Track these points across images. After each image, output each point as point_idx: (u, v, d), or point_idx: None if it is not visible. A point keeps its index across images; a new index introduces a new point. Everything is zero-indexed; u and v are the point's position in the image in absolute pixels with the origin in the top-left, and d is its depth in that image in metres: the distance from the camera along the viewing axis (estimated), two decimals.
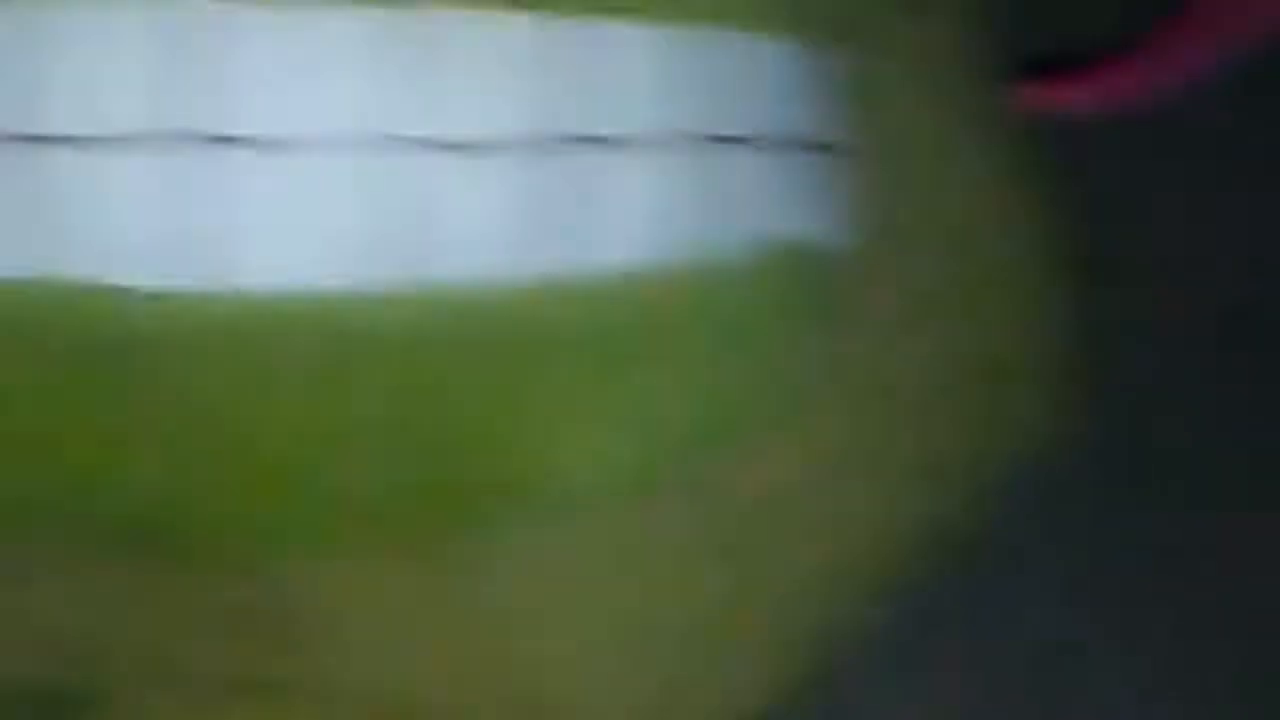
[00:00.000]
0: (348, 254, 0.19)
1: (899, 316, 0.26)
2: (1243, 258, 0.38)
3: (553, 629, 0.23)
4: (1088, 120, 0.36)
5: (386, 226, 0.19)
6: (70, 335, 0.19)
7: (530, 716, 0.23)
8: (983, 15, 0.29)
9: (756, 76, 0.22)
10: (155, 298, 0.19)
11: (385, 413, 0.20)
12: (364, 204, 0.19)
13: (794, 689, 0.27)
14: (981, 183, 0.27)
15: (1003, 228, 0.28)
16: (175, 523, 0.21)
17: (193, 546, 0.21)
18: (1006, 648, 0.36)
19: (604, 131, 0.20)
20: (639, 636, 0.23)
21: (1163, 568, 0.37)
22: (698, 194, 0.21)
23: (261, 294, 0.19)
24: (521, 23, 0.20)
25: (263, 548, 0.21)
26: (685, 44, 0.21)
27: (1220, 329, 0.38)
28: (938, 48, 0.27)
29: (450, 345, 0.20)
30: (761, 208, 0.22)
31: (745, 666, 0.25)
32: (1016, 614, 0.36)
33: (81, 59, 0.19)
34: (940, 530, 0.28)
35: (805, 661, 0.26)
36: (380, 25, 0.20)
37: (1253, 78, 0.38)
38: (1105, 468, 0.36)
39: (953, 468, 0.28)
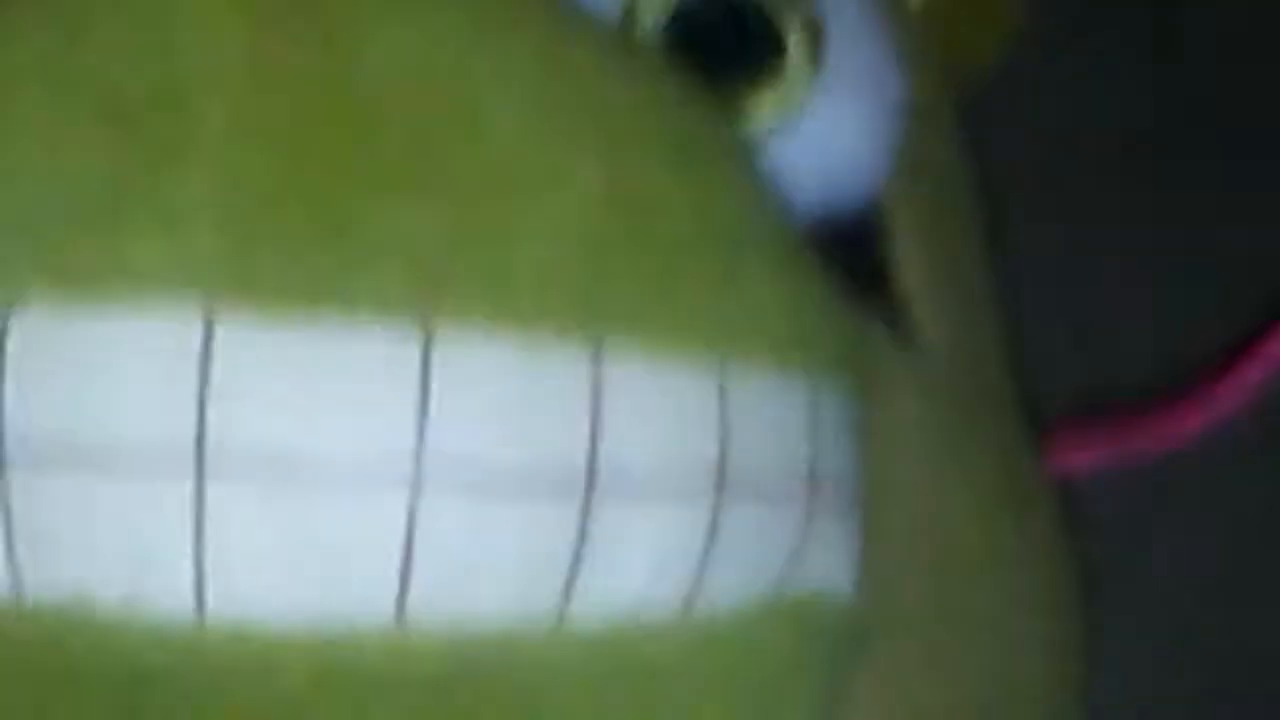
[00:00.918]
0: (365, 590, 0.19)
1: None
2: None
3: None
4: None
5: (407, 564, 0.19)
6: (105, 665, 0.20)
7: None
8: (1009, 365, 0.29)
9: (770, 416, 0.21)
10: (188, 629, 0.19)
11: None
12: (385, 541, 0.19)
13: None
14: (999, 563, 0.25)
15: (1025, 629, 0.27)
16: None
17: None
18: None
19: (613, 471, 0.20)
20: None
21: None
22: (705, 540, 0.21)
23: (296, 627, 0.19)
24: (522, 353, 0.20)
25: None
26: (697, 380, 0.20)
27: None
28: (952, 393, 0.25)
29: (470, 681, 0.20)
30: (770, 555, 0.21)
31: None
32: None
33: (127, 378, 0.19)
34: None
35: None
36: (397, 352, 0.20)
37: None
38: None
39: None
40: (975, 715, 0.25)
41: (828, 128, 0.24)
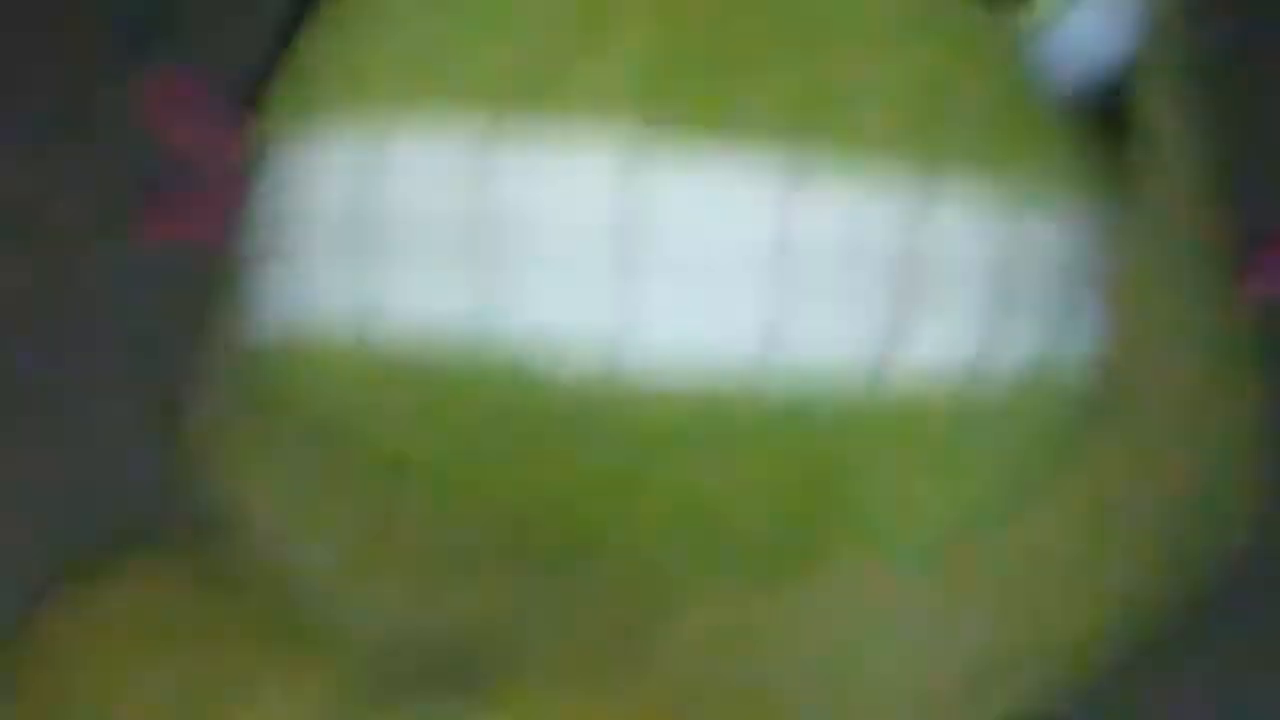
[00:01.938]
0: (735, 347, 0.28)
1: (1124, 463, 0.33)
2: None
3: (869, 643, 0.32)
4: None
5: (763, 328, 0.28)
6: (516, 400, 0.29)
7: (837, 702, 0.33)
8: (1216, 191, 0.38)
9: (1046, 222, 0.30)
10: (580, 377, 0.29)
11: (765, 475, 0.29)
12: (748, 310, 0.28)
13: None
14: (1210, 349, 0.35)
15: (1226, 399, 0.35)
16: (591, 548, 0.30)
17: (599, 565, 0.31)
18: None
19: (934, 259, 0.28)
20: (937, 655, 0.32)
21: None
22: (996, 312, 0.29)
23: (678, 377, 0.29)
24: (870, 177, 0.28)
25: (661, 574, 0.30)
26: (997, 203, 0.29)
27: None
28: (1181, 215, 0.35)
29: (813, 421, 0.29)
30: (1041, 330, 0.30)
31: (1011, 682, 0.33)
32: None
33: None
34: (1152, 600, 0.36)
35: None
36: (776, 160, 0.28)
37: None
38: None
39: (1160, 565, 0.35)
40: (1172, 511, 0.33)
41: (1087, 20, 0.31)
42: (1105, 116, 0.33)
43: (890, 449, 0.32)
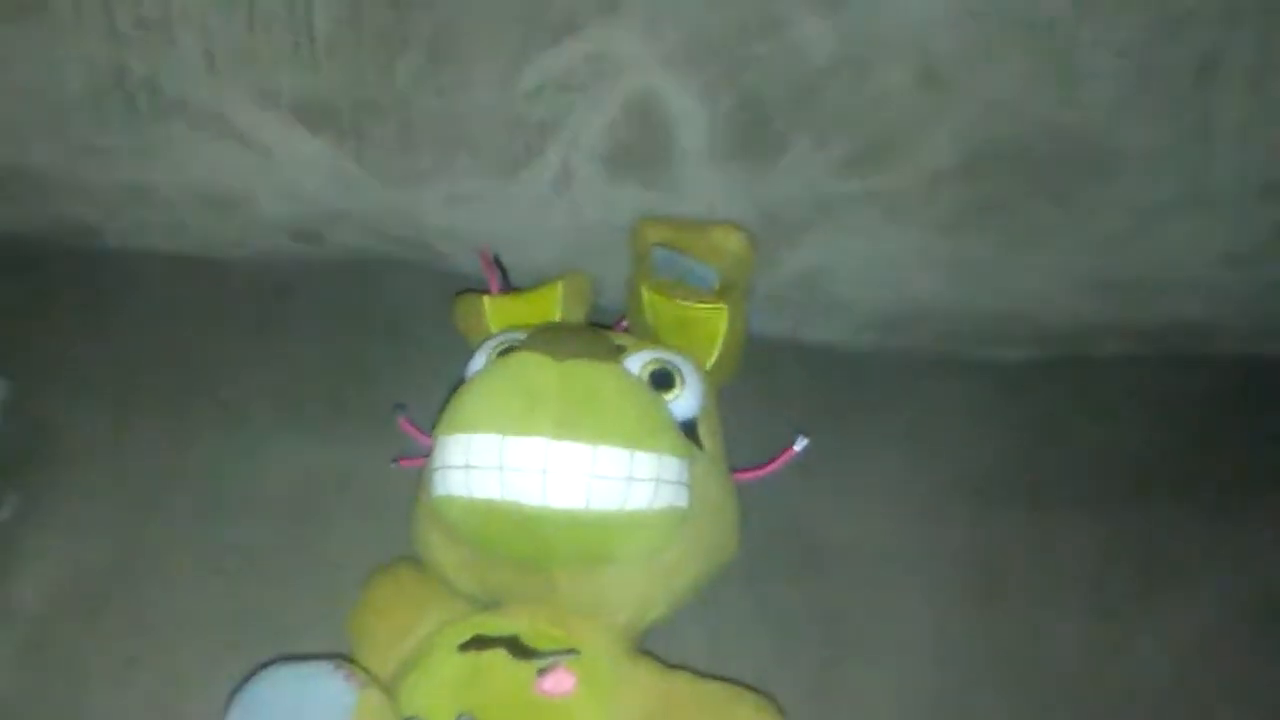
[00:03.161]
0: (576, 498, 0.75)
1: None
2: None
3: (615, 587, 0.80)
4: None
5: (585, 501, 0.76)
6: (510, 522, 0.75)
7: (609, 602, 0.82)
8: None
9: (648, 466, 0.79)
10: (539, 510, 0.74)
11: (571, 545, 0.76)
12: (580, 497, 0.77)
13: None
14: (719, 506, 0.88)
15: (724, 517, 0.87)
16: (540, 561, 0.78)
17: (532, 563, 0.78)
18: None
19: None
20: (653, 591, 0.83)
21: None
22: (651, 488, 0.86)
23: (537, 507, 0.74)
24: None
25: (550, 565, 0.78)
26: (624, 453, 0.79)
27: None
28: (717, 460, 0.87)
29: (597, 522, 0.76)
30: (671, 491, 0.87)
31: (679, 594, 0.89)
32: None
33: None
34: None
35: None
36: None
37: None
38: None
39: None
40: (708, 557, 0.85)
41: (686, 399, 0.80)
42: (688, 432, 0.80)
43: (623, 530, 0.76)
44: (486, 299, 0.92)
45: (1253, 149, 0.86)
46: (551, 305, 0.89)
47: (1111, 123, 0.86)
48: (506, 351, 0.80)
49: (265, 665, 0.76)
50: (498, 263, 0.96)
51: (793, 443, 0.84)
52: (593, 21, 0.84)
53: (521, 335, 0.81)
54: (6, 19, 0.85)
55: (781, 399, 0.92)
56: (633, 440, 0.76)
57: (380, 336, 0.99)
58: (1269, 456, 0.93)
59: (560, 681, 0.76)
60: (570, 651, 0.78)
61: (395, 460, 0.87)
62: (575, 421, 0.74)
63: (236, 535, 0.89)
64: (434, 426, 0.79)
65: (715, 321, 0.87)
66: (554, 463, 0.74)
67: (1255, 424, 0.95)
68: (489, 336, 0.85)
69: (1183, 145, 0.86)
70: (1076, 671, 0.84)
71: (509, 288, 0.95)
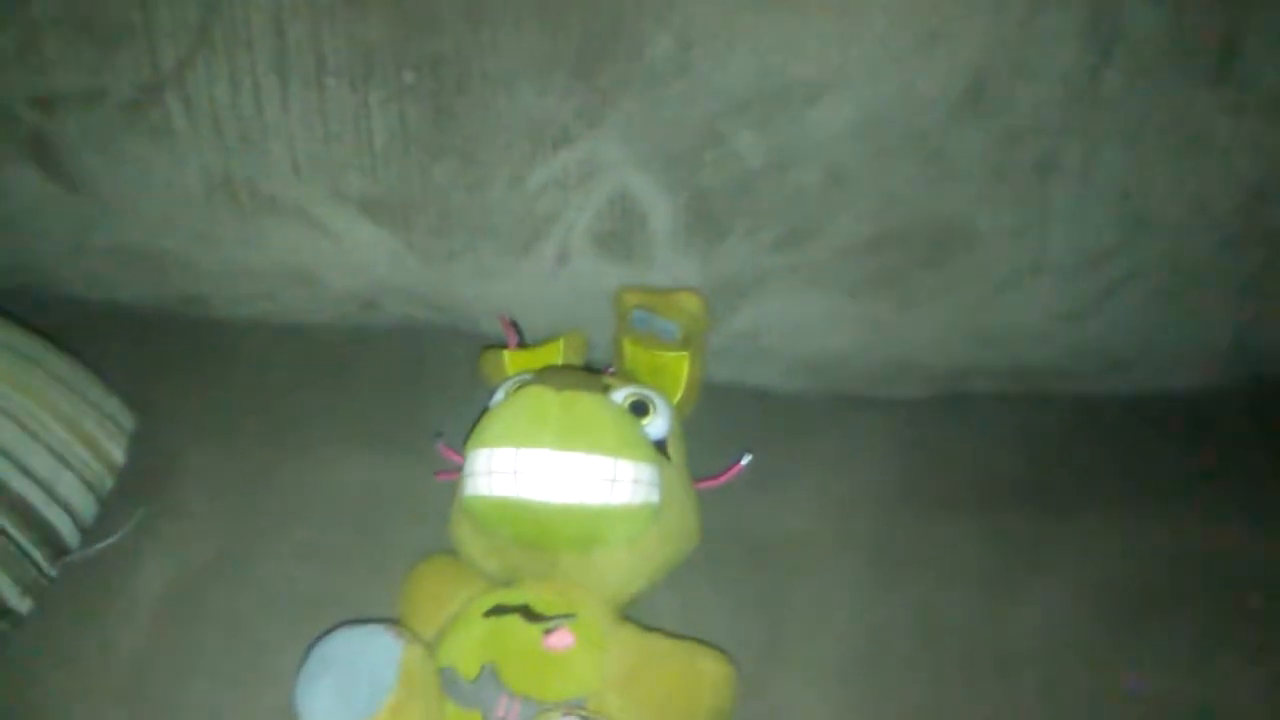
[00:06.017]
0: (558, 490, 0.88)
1: None
2: None
3: (604, 566, 0.95)
4: None
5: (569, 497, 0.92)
6: (523, 514, 0.91)
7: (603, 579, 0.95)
8: None
9: (628, 470, 0.94)
10: (538, 502, 0.89)
11: (570, 531, 0.92)
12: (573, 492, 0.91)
13: None
14: (676, 505, 1.00)
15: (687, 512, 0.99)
16: (546, 545, 0.93)
17: (539, 547, 0.94)
18: None
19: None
20: (637, 569, 0.96)
21: None
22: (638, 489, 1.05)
23: (542, 501, 0.89)
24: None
25: (553, 548, 0.93)
26: (607, 461, 0.92)
27: None
28: (680, 465, 1.00)
29: (590, 513, 0.90)
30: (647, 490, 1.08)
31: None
32: None
33: None
34: None
35: None
36: None
37: None
38: None
39: None
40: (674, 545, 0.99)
41: (658, 423, 0.95)
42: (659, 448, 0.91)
43: (610, 519, 0.89)
44: (506, 352, 1.04)
45: (1083, 229, 0.99)
46: (556, 357, 1.03)
47: (973, 209, 0.99)
48: (520, 388, 0.93)
49: (333, 628, 0.87)
50: (514, 324, 1.08)
51: (740, 459, 0.98)
52: (582, 135, 0.98)
53: (531, 376, 0.95)
54: (142, 135, 1.02)
55: (731, 427, 1.06)
56: (616, 451, 0.89)
57: (424, 382, 1.13)
58: (1106, 472, 1.08)
59: (563, 638, 0.88)
60: (570, 615, 0.90)
61: (436, 475, 1.00)
62: (572, 436, 0.88)
63: (313, 537, 1.04)
64: (464, 446, 0.92)
65: (680, 366, 1.02)
66: (556, 468, 0.88)
67: (1096, 447, 1.10)
68: (507, 379, 0.99)
69: (1028, 226, 0.99)
70: (964, 637, 0.98)
71: (523, 343, 1.07)
